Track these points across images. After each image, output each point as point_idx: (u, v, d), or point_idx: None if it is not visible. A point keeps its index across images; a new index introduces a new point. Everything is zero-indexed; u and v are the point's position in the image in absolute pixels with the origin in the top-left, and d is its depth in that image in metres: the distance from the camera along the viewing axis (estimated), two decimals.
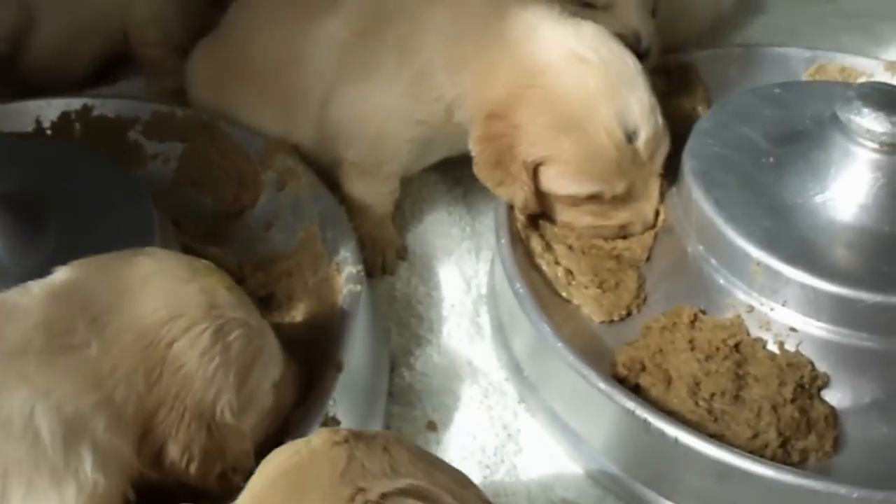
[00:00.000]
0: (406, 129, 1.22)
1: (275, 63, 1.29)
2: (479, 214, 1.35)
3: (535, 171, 1.15)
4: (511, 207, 1.20)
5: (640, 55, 1.24)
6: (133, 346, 0.83)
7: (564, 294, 1.17)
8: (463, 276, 1.26)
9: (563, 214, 1.20)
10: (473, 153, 1.17)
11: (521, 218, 1.20)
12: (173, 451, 0.85)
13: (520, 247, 1.18)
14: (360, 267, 1.12)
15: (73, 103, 1.38)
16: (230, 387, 0.87)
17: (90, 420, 0.81)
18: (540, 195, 1.17)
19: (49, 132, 1.38)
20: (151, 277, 0.88)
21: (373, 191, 1.28)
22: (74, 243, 1.09)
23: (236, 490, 0.84)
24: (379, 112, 1.22)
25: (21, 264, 1.06)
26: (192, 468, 0.86)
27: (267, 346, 0.92)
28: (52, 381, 0.81)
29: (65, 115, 1.38)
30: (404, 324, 1.21)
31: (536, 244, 1.20)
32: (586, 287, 1.17)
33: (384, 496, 0.74)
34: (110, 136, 1.36)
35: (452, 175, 1.38)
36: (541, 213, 1.21)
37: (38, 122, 1.39)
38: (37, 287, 0.87)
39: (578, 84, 1.13)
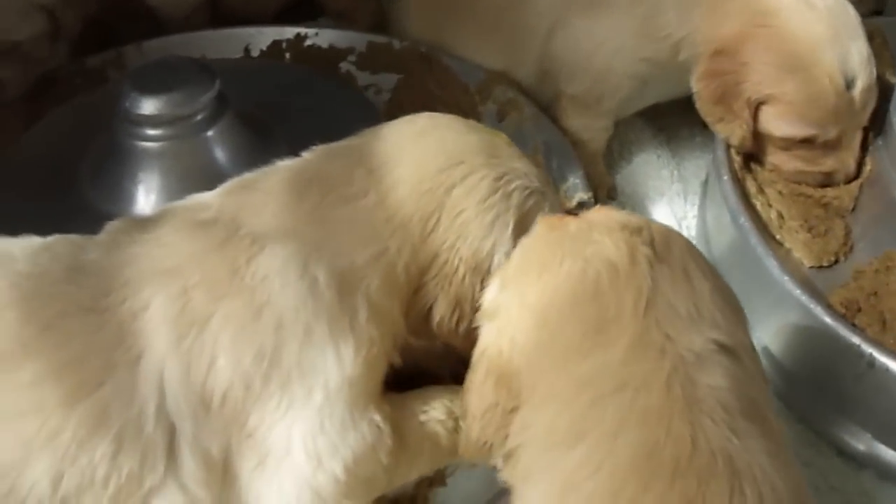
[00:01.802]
0: (630, 65, 1.21)
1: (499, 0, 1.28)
2: (684, 161, 1.32)
3: (755, 111, 1.13)
4: (728, 147, 1.17)
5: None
6: (411, 193, 0.77)
7: (777, 237, 1.14)
8: (675, 217, 1.23)
9: (774, 156, 1.17)
10: (696, 89, 1.16)
11: (737, 158, 1.17)
12: (443, 307, 0.77)
13: (738, 186, 1.15)
14: (590, 194, 1.09)
15: (286, 32, 1.37)
16: (508, 240, 0.78)
17: (364, 275, 0.75)
18: (756, 135, 1.15)
19: None
20: (430, 131, 0.81)
21: (589, 125, 1.26)
22: None
23: None
24: (606, 47, 1.21)
25: None
26: (461, 327, 0.78)
27: (549, 204, 0.82)
28: (326, 235, 0.75)
29: (275, 44, 1.37)
30: None
31: (751, 185, 1.17)
32: (797, 231, 1.14)
33: (699, 357, 0.64)
34: (321, 66, 1.34)
35: (656, 122, 1.35)
36: (751, 154, 1.19)
37: (247, 50, 1.38)
38: (310, 152, 0.83)
39: (807, 27, 1.11)
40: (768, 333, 1.09)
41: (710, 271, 0.70)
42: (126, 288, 0.73)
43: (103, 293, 0.73)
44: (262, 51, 1.37)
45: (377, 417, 0.75)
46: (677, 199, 1.26)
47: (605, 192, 1.27)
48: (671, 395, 0.62)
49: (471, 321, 0.77)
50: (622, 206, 1.24)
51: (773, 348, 1.09)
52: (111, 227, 0.79)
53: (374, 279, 0.75)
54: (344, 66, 1.34)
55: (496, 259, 0.78)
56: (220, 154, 1.03)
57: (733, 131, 1.14)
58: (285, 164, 0.82)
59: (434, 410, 0.79)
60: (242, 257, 0.73)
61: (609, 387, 0.63)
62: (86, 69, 1.35)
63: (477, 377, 0.71)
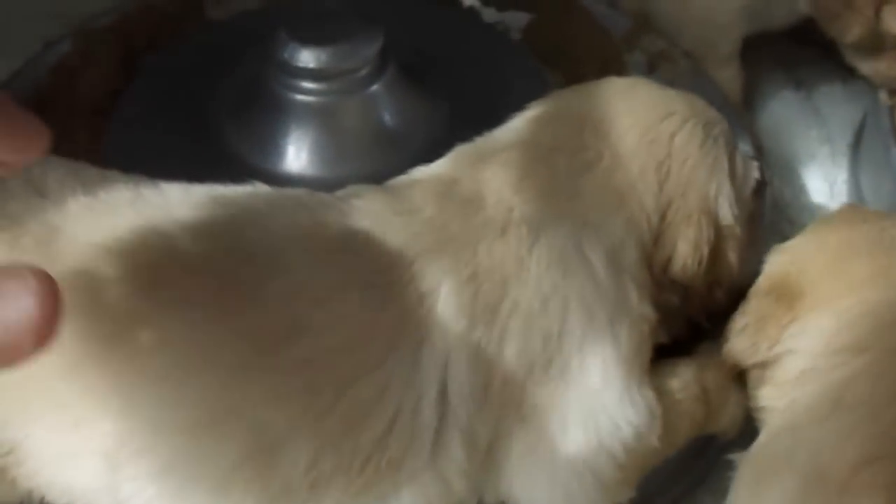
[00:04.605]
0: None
1: None
2: (827, 120, 1.17)
3: (879, 8, 1.02)
4: (892, 114, 1.06)
5: None
6: (640, 143, 0.74)
7: None
8: (826, 180, 1.11)
9: (878, 61, 1.06)
10: None
11: None
12: (684, 250, 0.73)
13: None
14: (759, 163, 0.96)
15: None
16: (726, 182, 0.76)
17: (625, 248, 0.71)
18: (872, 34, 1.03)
19: None
20: (632, 87, 0.79)
21: (717, 78, 1.11)
22: (468, 112, 0.94)
23: (711, 310, 0.77)
24: None
25: (417, 132, 0.93)
26: (701, 270, 0.74)
27: (741, 152, 0.81)
28: (586, 209, 0.71)
29: None
30: (775, 229, 1.05)
31: None
32: None
33: None
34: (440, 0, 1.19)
35: (794, 76, 1.22)
36: None
37: None
38: (518, 120, 0.78)
39: None
40: None
41: None
42: (410, 267, 0.66)
43: (384, 268, 0.65)
44: None
45: (650, 395, 0.70)
46: (828, 161, 1.13)
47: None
48: None
49: (708, 266, 0.75)
50: (769, 168, 1.11)
51: None
52: (349, 191, 0.72)
53: (632, 248, 0.71)
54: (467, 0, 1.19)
55: (720, 201, 0.76)
56: (383, 111, 0.91)
57: (850, 28, 1.03)
58: (509, 134, 0.77)
59: (691, 387, 0.74)
60: (524, 247, 0.68)
61: (893, 315, 0.68)
62: None
63: (758, 293, 0.74)
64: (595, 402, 0.67)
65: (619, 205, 0.72)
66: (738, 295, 0.78)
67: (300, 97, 0.88)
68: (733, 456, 0.72)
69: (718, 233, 0.75)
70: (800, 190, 1.10)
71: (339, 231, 0.67)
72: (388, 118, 0.90)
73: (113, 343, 0.62)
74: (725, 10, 1.10)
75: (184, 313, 0.62)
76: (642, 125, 0.75)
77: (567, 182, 0.71)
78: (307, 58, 0.85)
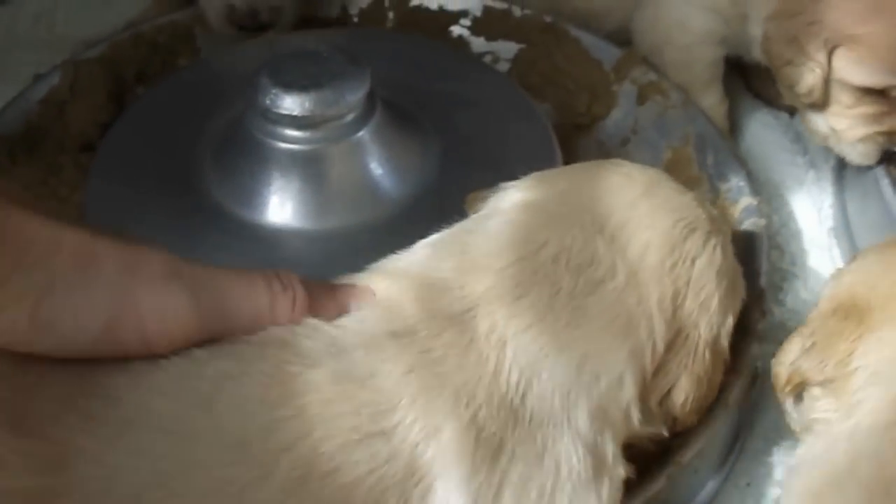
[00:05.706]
0: (693, 20, 1.06)
1: None
2: (808, 144, 1.12)
3: (830, 54, 0.94)
4: None
5: None
6: (662, 266, 0.66)
7: None
8: (814, 206, 1.07)
9: (834, 115, 0.98)
10: (766, 28, 0.98)
11: None
12: (687, 387, 0.66)
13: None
14: (759, 199, 0.92)
15: None
16: (732, 310, 0.70)
17: (624, 379, 0.64)
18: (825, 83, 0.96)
19: (356, 20, 1.18)
20: (653, 188, 0.69)
21: (702, 106, 1.06)
22: (464, 162, 0.90)
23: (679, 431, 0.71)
24: (662, 13, 1.07)
25: (406, 180, 0.88)
26: (695, 407, 0.68)
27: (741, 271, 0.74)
28: (587, 337, 0.63)
29: (377, 3, 1.18)
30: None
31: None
32: None
33: None
34: (429, 30, 1.16)
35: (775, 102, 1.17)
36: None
37: (344, 9, 1.19)
38: (516, 207, 0.68)
39: None
40: None
41: None
42: (412, 408, 0.58)
43: (386, 412, 0.58)
44: (361, 10, 1.18)
45: None
46: (814, 187, 1.09)
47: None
48: None
49: (703, 398, 0.70)
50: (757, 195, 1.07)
51: None
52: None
53: (631, 383, 0.64)
54: (456, 29, 1.16)
55: (723, 333, 0.69)
56: (371, 158, 0.86)
57: (802, 76, 0.95)
58: (502, 228, 0.67)
59: None
60: (518, 396, 0.61)
61: None
62: (171, 25, 1.15)
63: (821, 316, 0.72)
64: None
65: (626, 333, 0.64)
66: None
67: (283, 145, 0.84)
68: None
69: (714, 364, 0.69)
70: (788, 216, 1.06)
71: (334, 371, 0.59)
72: (375, 166, 0.85)
73: None
74: (690, 32, 1.07)
75: None
76: (666, 244, 0.67)
77: (570, 303, 0.64)
78: (290, 104, 0.81)
